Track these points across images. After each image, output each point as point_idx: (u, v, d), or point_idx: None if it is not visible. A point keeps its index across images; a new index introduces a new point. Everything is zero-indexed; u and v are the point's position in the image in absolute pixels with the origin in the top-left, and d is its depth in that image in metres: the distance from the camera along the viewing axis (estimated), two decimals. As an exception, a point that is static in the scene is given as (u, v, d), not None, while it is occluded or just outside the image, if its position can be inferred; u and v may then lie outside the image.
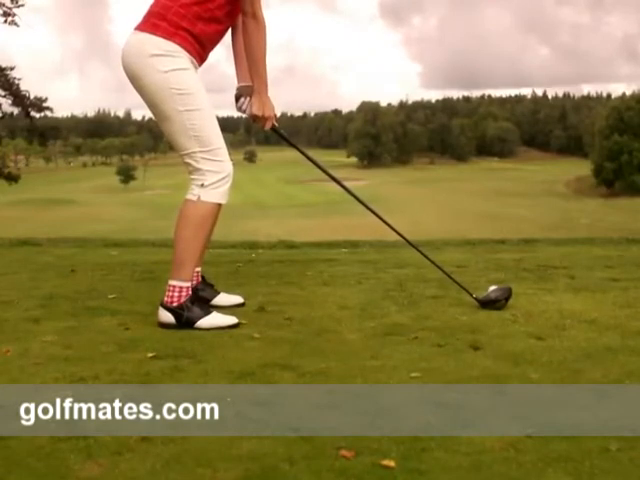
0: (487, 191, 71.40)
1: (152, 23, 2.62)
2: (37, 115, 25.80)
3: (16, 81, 23.93)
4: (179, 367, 2.06)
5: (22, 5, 21.61)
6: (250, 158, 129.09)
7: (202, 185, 2.65)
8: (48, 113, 26.70)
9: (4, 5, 20.92)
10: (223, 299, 2.91)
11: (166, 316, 2.61)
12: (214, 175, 2.64)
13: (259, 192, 76.05)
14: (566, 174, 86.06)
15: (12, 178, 26.24)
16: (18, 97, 24.00)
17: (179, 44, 2.59)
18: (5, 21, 21.36)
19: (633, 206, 56.83)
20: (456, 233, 41.39)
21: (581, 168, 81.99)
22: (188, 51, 2.62)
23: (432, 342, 2.29)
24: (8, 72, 24.11)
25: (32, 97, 25.19)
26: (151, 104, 2.67)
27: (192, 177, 2.68)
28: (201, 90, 2.67)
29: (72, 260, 4.27)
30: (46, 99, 24.46)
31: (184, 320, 2.59)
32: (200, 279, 2.92)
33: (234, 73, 2.92)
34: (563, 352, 2.16)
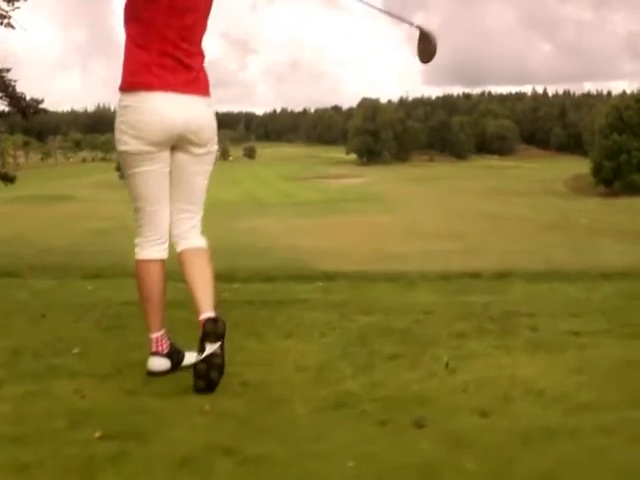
0: (486, 189, 71.40)
1: None
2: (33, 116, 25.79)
3: (12, 83, 23.92)
4: (124, 451, 2.09)
5: (18, 7, 21.64)
6: (249, 154, 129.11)
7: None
8: (46, 109, 26.69)
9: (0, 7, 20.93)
10: (188, 359, 2.87)
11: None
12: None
13: (258, 189, 76.08)
14: (565, 172, 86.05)
15: (8, 179, 26.22)
16: (14, 99, 23.98)
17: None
18: (1, 23, 21.37)
19: (632, 206, 56.82)
20: (453, 233, 41.41)
21: (580, 166, 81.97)
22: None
23: (377, 418, 2.32)
24: (4, 74, 24.10)
25: (29, 98, 25.20)
26: None
27: None
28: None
29: (46, 298, 4.31)
30: (42, 100, 24.42)
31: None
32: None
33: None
34: (503, 433, 2.20)
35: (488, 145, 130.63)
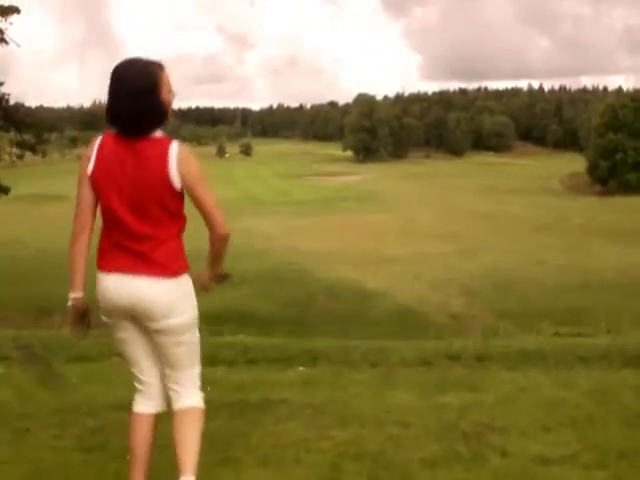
0: (482, 188, 71.46)
1: None
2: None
3: (6, 96, 24.01)
4: None
5: (11, 23, 21.75)
6: (246, 151, 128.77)
7: None
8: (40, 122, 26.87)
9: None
10: None
11: None
12: None
13: (255, 187, 76.07)
14: (561, 170, 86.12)
15: (2, 190, 26.37)
16: (8, 112, 24.05)
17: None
18: (-5, 39, 21.49)
19: (627, 205, 57.03)
20: (449, 234, 41.38)
21: (576, 164, 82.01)
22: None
23: None
24: (-2, 87, 24.16)
25: (22, 109, 25.37)
26: None
27: None
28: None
29: (30, 401, 4.37)
30: (36, 114, 24.65)
31: None
32: None
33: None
34: None
35: (484, 142, 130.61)
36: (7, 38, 21.61)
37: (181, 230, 2.79)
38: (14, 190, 27.27)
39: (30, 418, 4.04)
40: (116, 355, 5.30)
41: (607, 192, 68.51)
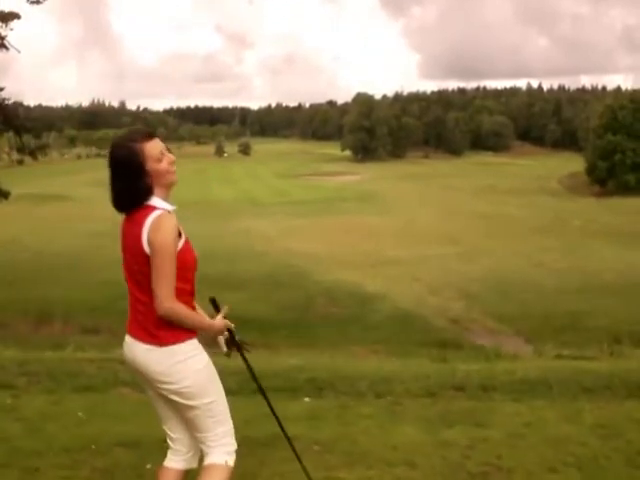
0: (480, 188, 71.49)
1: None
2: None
3: (6, 101, 24.01)
4: None
5: (12, 29, 21.74)
6: (244, 150, 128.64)
7: None
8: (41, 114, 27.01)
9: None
10: None
11: None
12: None
13: (253, 187, 75.98)
14: (560, 170, 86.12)
15: (2, 195, 26.40)
16: (8, 117, 24.06)
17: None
18: (-5, 44, 21.52)
19: (626, 206, 57.12)
20: (448, 236, 41.30)
21: (575, 164, 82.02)
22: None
23: None
24: (-2, 92, 24.17)
25: (20, 110, 25.44)
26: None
27: None
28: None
29: (38, 436, 4.39)
30: (34, 118, 24.67)
31: None
32: None
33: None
34: None
35: (483, 142, 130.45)
36: (7, 44, 21.55)
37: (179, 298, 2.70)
38: (15, 189, 27.45)
39: (39, 456, 4.05)
40: (122, 385, 5.35)
41: (606, 193, 68.59)
